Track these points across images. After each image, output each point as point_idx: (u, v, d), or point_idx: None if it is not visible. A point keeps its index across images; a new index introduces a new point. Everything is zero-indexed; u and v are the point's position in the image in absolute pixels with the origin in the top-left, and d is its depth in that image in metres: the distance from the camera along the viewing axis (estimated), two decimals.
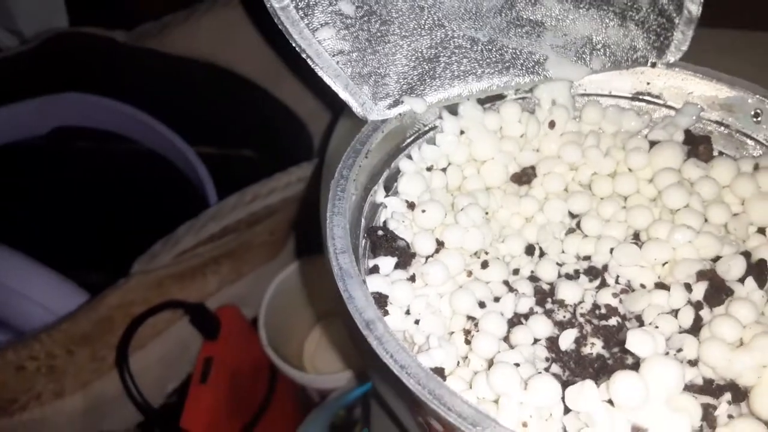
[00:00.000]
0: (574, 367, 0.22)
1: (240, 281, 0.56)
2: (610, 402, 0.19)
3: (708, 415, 0.20)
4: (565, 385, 0.20)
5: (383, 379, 0.31)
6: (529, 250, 0.27)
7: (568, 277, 0.26)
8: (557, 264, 0.26)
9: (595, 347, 0.23)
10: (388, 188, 0.26)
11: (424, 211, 0.24)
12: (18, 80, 0.60)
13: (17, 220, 0.58)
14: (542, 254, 0.27)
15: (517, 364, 0.21)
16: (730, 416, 0.21)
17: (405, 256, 0.24)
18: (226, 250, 0.52)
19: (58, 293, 0.47)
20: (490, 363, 0.22)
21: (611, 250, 0.26)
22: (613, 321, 0.24)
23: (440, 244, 0.25)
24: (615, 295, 0.24)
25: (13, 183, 0.59)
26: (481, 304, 0.23)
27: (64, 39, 0.59)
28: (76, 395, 0.44)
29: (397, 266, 0.24)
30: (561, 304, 0.25)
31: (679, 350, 0.22)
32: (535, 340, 0.23)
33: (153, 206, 0.58)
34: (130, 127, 0.61)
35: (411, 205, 0.25)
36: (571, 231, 0.27)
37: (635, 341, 0.21)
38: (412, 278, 0.24)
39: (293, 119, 0.60)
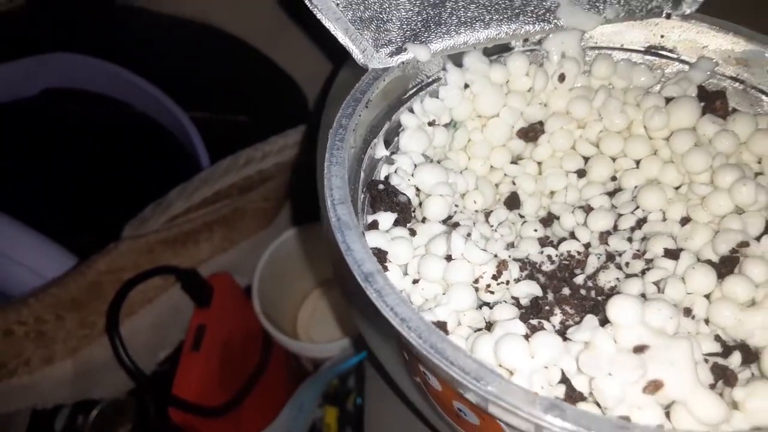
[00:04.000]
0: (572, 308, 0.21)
1: (233, 249, 0.54)
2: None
3: (725, 374, 0.19)
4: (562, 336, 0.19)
5: (381, 336, 0.30)
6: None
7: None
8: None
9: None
10: (388, 142, 0.25)
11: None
12: (5, 40, 0.58)
13: (5, 183, 0.56)
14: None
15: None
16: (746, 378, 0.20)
17: (405, 213, 0.23)
18: (219, 216, 0.51)
19: (46, 257, 0.46)
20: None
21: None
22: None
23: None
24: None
25: (0, 146, 0.58)
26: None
27: None
28: (65, 361, 0.43)
29: (397, 223, 0.23)
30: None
31: (688, 310, 0.21)
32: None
33: (144, 170, 0.57)
34: (121, 89, 0.59)
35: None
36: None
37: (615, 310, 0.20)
38: (412, 232, 0.23)
39: (288, 81, 0.58)
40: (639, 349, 0.18)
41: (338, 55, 0.29)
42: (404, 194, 0.23)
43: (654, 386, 0.17)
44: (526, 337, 0.19)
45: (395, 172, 0.24)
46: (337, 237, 0.19)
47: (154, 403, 0.46)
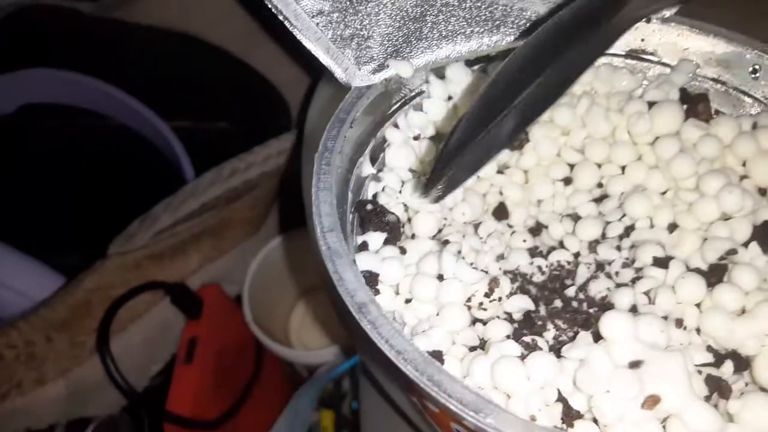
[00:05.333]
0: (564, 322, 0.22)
1: (221, 258, 0.54)
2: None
3: (719, 385, 0.19)
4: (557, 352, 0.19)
5: (375, 363, 0.30)
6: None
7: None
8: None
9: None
10: (374, 159, 0.25)
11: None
12: None
13: None
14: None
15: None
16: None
17: (395, 232, 0.23)
18: (206, 227, 0.51)
19: (32, 278, 0.46)
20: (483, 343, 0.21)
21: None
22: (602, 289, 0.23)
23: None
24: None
25: None
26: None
27: (28, 12, 0.56)
28: (57, 382, 0.43)
29: (387, 242, 0.23)
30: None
31: (680, 321, 0.21)
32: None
33: (128, 184, 0.56)
34: (100, 102, 0.59)
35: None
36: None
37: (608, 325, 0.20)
38: (402, 250, 0.23)
39: (269, 88, 0.58)
40: (634, 365, 0.18)
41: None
42: (393, 213, 0.23)
43: (652, 401, 0.17)
44: (522, 357, 0.19)
45: (383, 190, 0.24)
46: (328, 266, 0.19)
47: (148, 419, 0.46)
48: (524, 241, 0.25)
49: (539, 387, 0.19)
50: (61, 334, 0.42)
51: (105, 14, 0.55)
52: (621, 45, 0.28)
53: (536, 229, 0.26)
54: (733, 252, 0.22)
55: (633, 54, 0.28)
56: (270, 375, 0.54)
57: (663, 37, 0.28)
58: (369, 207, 0.23)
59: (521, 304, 0.22)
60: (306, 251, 0.57)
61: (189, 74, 0.58)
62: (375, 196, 0.24)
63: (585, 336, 0.19)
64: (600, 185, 0.27)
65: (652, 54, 0.28)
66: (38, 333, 0.41)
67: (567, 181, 0.27)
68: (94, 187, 0.56)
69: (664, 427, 0.18)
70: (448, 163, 0.18)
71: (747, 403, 0.19)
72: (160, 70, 0.58)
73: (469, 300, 0.22)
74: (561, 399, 0.19)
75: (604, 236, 0.25)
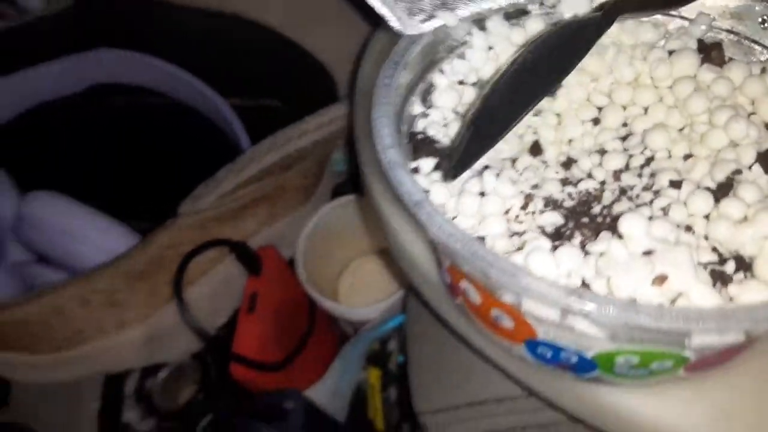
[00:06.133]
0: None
1: (276, 223, 0.58)
2: None
3: (722, 276, 0.23)
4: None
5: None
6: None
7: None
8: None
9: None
10: (423, 101, 0.29)
11: None
12: (51, 41, 0.62)
13: (61, 176, 0.60)
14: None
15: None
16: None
17: (443, 159, 0.27)
18: (263, 193, 0.55)
19: (109, 234, 0.50)
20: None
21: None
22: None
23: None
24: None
25: (54, 140, 0.62)
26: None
27: None
28: (136, 327, 0.48)
29: (436, 167, 0.27)
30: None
31: (689, 227, 0.24)
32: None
33: (189, 159, 0.61)
34: (161, 81, 0.63)
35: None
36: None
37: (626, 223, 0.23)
38: None
39: (316, 66, 0.62)
40: (647, 253, 0.22)
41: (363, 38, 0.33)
42: (440, 142, 0.27)
43: (660, 279, 0.21)
44: (552, 250, 0.23)
45: (431, 125, 0.28)
46: (389, 175, 0.23)
47: (215, 363, 0.50)
48: (556, 173, 0.29)
49: (566, 275, 0.22)
50: (141, 282, 0.47)
51: None
52: None
53: (567, 164, 0.30)
54: (738, 172, 0.26)
55: None
56: (321, 330, 0.58)
57: None
58: (420, 137, 0.27)
59: (552, 219, 0.26)
60: (354, 218, 0.62)
61: (238, 54, 0.62)
62: (425, 129, 0.27)
63: (606, 234, 0.23)
64: (625, 125, 0.30)
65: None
66: (121, 280, 0.46)
67: (596, 121, 0.30)
68: (158, 161, 0.61)
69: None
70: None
71: (745, 287, 0.22)
72: (210, 50, 0.62)
73: (507, 212, 0.25)
74: (585, 285, 0.23)
75: (627, 167, 0.28)
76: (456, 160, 0.24)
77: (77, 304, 0.45)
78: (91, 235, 0.50)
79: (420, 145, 0.26)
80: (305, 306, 0.58)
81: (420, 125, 0.28)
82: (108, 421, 0.48)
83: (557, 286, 0.19)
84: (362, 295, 0.66)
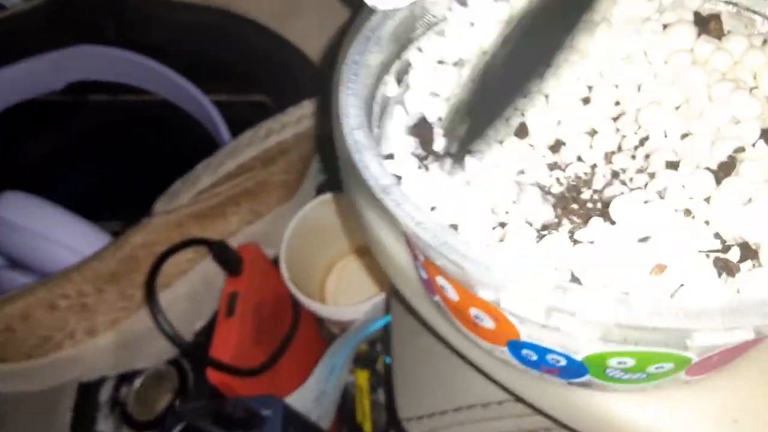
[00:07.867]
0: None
1: (259, 221, 0.56)
2: None
3: (728, 265, 0.20)
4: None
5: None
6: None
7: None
8: None
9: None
10: (399, 81, 0.26)
11: None
12: (29, 37, 0.60)
13: (39, 173, 0.59)
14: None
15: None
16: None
17: (427, 143, 0.24)
18: (244, 189, 0.53)
19: (82, 235, 0.48)
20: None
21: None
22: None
23: None
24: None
25: (33, 138, 0.60)
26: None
27: None
28: (107, 333, 0.45)
29: (425, 155, 0.24)
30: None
31: (688, 211, 0.22)
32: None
33: (169, 156, 0.59)
34: (142, 77, 0.61)
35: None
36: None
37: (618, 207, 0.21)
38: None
39: (303, 60, 0.60)
40: (643, 240, 0.19)
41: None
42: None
43: (659, 268, 0.19)
44: (537, 240, 0.20)
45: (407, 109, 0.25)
46: (354, 157, 0.20)
47: (192, 369, 0.48)
48: (543, 156, 0.27)
49: (553, 267, 0.20)
50: (111, 285, 0.45)
51: None
52: None
53: (555, 147, 0.28)
54: (741, 150, 0.23)
55: None
56: (305, 331, 0.56)
57: None
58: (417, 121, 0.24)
59: (539, 206, 0.24)
60: (340, 216, 0.60)
61: (225, 48, 0.60)
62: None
63: (597, 220, 0.21)
64: (617, 104, 0.28)
65: None
66: (90, 284, 0.44)
67: (586, 101, 0.28)
68: (137, 158, 0.59)
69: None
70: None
71: (752, 277, 0.20)
72: (197, 44, 0.60)
73: (489, 200, 0.23)
74: (574, 279, 0.20)
75: (619, 148, 0.26)
76: (459, 146, 0.23)
77: (44, 309, 0.43)
78: (63, 237, 0.48)
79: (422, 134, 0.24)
80: (288, 306, 0.55)
81: (397, 112, 0.25)
82: None
83: (540, 279, 0.17)
84: (350, 294, 0.64)
